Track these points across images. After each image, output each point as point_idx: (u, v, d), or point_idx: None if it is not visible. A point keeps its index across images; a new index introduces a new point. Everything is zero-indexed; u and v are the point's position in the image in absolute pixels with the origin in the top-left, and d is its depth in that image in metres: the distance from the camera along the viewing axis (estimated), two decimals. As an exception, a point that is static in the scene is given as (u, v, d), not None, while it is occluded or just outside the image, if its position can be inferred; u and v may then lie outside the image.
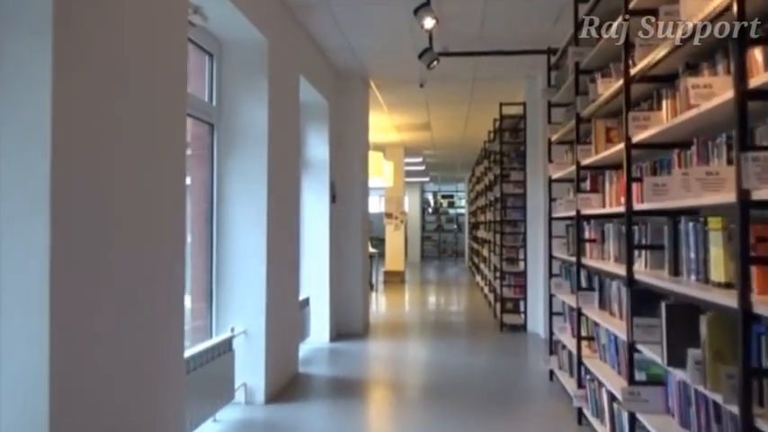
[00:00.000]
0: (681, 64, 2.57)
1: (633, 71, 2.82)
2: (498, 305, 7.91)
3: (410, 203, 21.16)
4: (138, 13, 2.53)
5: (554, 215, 4.91)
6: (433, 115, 9.47)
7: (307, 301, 6.22)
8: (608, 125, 3.50)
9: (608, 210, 3.55)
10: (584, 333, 3.99)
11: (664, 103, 2.71)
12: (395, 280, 13.37)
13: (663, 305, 2.37)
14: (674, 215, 2.57)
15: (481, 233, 11.56)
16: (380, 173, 10.13)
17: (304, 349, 6.12)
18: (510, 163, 7.45)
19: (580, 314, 3.90)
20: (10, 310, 1.95)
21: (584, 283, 3.97)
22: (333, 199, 6.72)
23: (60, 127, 2.00)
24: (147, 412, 2.60)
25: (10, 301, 1.95)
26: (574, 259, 4.13)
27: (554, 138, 4.93)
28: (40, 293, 1.94)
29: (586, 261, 3.85)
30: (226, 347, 3.87)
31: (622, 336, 2.98)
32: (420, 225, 21.75)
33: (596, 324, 3.76)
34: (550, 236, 4.97)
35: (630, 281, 2.79)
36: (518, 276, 7.32)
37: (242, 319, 4.26)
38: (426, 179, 21.19)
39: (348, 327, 6.99)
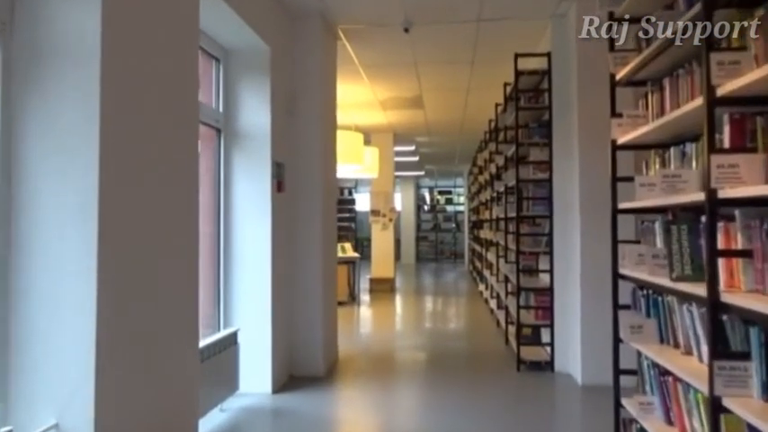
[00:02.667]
0: None
1: None
2: (511, 330, 5.92)
3: (404, 200, 19.17)
4: None
5: (623, 206, 2.90)
6: (425, 84, 7.44)
7: (233, 338, 4.19)
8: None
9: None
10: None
11: None
12: (383, 288, 11.34)
13: None
14: None
15: (485, 233, 9.53)
16: (360, 159, 8.10)
17: (232, 408, 4.11)
18: (529, 137, 5.43)
19: (720, 409, 1.87)
20: None
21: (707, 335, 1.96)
22: (279, 187, 4.70)
23: None
24: None
25: None
26: (685, 288, 2.12)
27: (622, 74, 2.92)
28: None
29: (729, 297, 1.84)
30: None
31: None
32: (415, 224, 19.70)
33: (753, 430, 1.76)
34: (615, 241, 2.95)
35: None
36: (541, 294, 5.29)
37: (51, 403, 2.24)
38: (421, 173, 19.13)
39: (305, 366, 4.96)
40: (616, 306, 2.88)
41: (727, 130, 1.92)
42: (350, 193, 20.19)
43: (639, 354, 2.80)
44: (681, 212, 2.43)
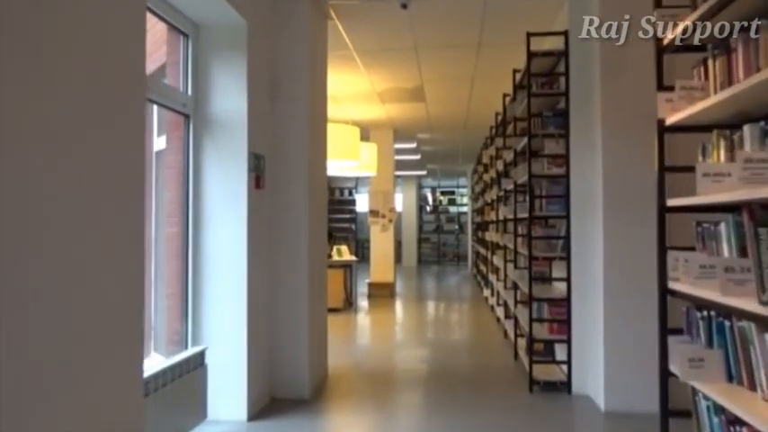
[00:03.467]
0: None
1: None
2: (521, 343, 5.33)
3: (405, 201, 18.57)
4: None
5: (674, 202, 2.30)
6: (426, 73, 6.84)
7: (200, 358, 3.60)
8: None
9: None
10: None
11: None
12: (382, 294, 10.72)
13: None
14: None
15: (491, 235, 8.92)
16: (356, 155, 7.51)
17: (197, 440, 3.52)
18: (542, 128, 4.82)
19: None
20: None
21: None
22: (257, 182, 4.10)
23: None
24: None
25: None
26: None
27: (672, 35, 2.32)
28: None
29: None
30: None
31: None
32: (417, 225, 19.08)
33: None
34: (663, 247, 2.35)
35: None
36: (555, 305, 4.68)
37: None
38: (423, 173, 18.53)
39: (288, 387, 4.35)
40: (664, 330, 2.28)
41: None
42: (350, 194, 19.60)
43: (694, 392, 2.19)
44: (762, 211, 1.83)
